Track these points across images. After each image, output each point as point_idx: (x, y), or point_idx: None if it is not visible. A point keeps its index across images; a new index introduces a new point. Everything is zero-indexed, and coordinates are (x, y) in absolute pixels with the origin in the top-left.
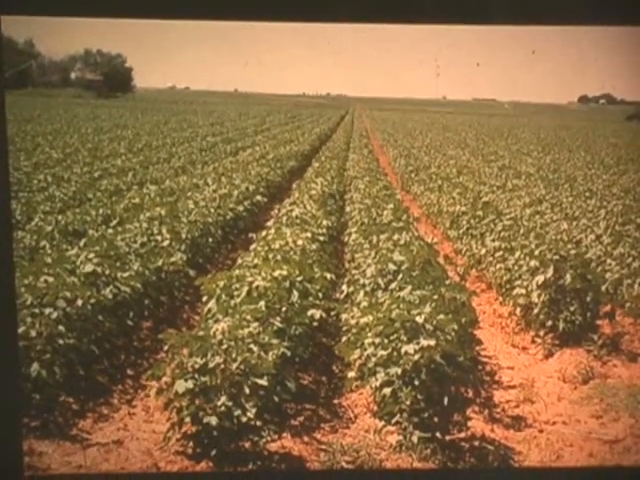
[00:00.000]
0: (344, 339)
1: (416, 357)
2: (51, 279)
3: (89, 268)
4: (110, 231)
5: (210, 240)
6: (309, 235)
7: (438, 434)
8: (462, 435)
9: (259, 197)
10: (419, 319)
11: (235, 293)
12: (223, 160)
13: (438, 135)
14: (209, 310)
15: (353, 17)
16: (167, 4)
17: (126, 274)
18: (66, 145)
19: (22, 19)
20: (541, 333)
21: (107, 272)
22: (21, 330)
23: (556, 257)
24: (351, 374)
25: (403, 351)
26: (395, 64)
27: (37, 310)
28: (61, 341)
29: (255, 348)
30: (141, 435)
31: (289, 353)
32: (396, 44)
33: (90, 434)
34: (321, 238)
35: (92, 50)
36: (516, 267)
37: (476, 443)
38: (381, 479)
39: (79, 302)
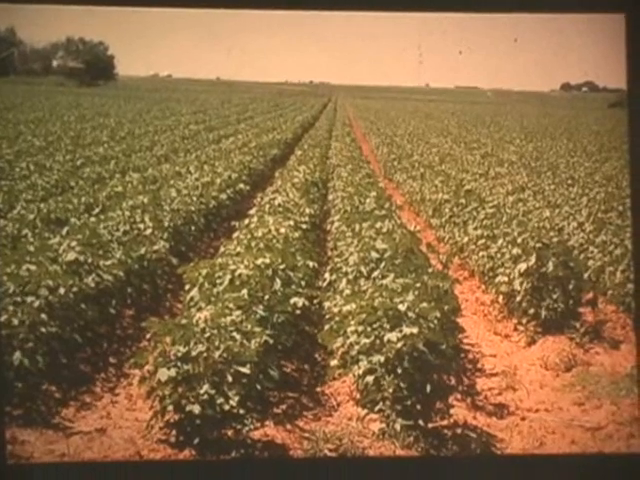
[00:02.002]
0: (327, 327)
1: (399, 345)
2: (33, 267)
3: (71, 256)
4: (92, 219)
5: (193, 228)
6: (292, 223)
7: (421, 422)
8: (445, 423)
9: (242, 185)
10: (402, 307)
11: (218, 281)
12: (206, 148)
13: (420, 123)
14: (192, 298)
15: (337, 5)
16: None
17: (109, 262)
18: (48, 133)
19: (3, 7)
20: (523, 321)
21: (90, 260)
22: (3, 318)
23: (539, 245)
24: (334, 362)
25: (386, 339)
26: (378, 51)
27: (19, 298)
28: (43, 329)
29: (238, 336)
30: (124, 423)
31: (272, 341)
32: (379, 30)
33: (73, 422)
34: (304, 226)
35: (74, 38)
36: (499, 255)
37: (459, 431)
38: (364, 467)
39: (61, 290)
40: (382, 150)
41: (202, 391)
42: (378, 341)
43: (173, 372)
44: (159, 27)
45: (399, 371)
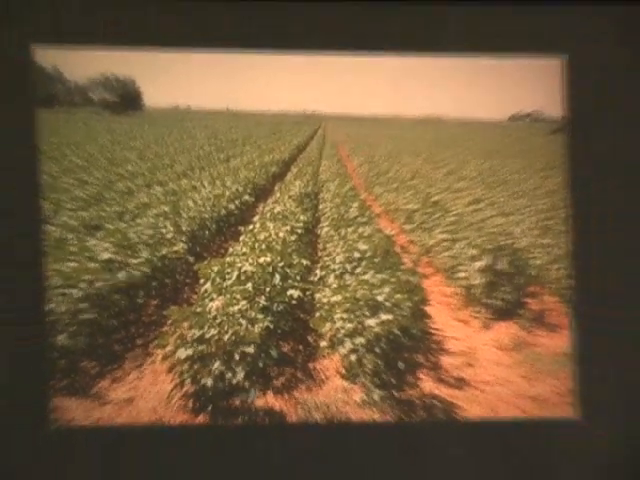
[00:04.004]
0: (317, 314)
1: (377, 329)
2: (75, 265)
3: (106, 256)
4: (123, 225)
5: (206, 232)
6: (289, 228)
7: (395, 393)
8: (414, 393)
9: (247, 197)
10: (380, 298)
11: (227, 276)
12: (217, 166)
13: (395, 146)
14: (205, 290)
15: (330, 48)
16: (173, 38)
17: (136, 261)
18: (87, 154)
19: (51, 49)
20: (480, 309)
21: (121, 259)
22: (50, 307)
23: (492, 246)
24: (323, 343)
25: (366, 324)
26: (364, 86)
27: (63, 290)
28: (83, 316)
29: (244, 322)
30: (148, 395)
31: (272, 326)
32: (363, 69)
33: (107, 393)
34: (299, 231)
35: (109, 76)
36: (459, 255)
37: (426, 400)
38: (347, 430)
39: (98, 284)
40: (363, 168)
41: (214, 367)
42: (360, 326)
43: (190, 352)
44: (180, 65)
45: (377, 351)
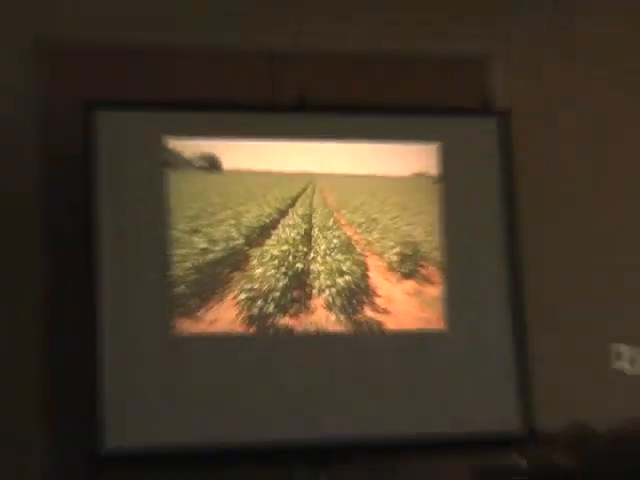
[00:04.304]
0: (311, 276)
1: (342, 284)
2: (186, 250)
3: (202, 246)
4: (211, 230)
5: (254, 235)
6: (296, 230)
7: (351, 317)
8: (361, 317)
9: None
10: (344, 268)
11: (264, 257)
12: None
13: (357, 200)
14: (253, 264)
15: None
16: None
17: (218, 248)
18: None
19: (176, 140)
20: (396, 274)
21: (209, 247)
22: (174, 272)
23: (402, 241)
24: (314, 291)
25: (337, 281)
26: (345, 147)
27: (181, 264)
28: (191, 277)
29: (273, 280)
30: (224, 317)
31: (288, 283)
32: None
33: (202, 317)
34: (302, 232)
35: (208, 151)
36: (385, 245)
37: (368, 321)
38: (327, 338)
39: (198, 261)
40: (342, 211)
41: (257, 303)
42: (333, 282)
43: (244, 295)
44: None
45: (342, 295)
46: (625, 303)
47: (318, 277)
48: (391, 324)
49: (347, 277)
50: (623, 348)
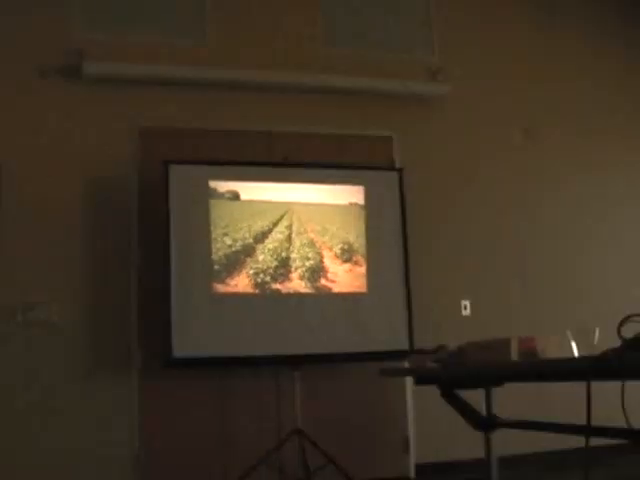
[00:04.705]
0: (291, 260)
1: (308, 266)
2: (219, 245)
3: (228, 242)
4: (228, 235)
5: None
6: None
7: (314, 284)
8: (319, 285)
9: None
10: (309, 256)
11: (264, 248)
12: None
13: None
14: (258, 253)
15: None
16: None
17: (236, 244)
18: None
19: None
20: (340, 259)
21: (232, 243)
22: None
23: (343, 240)
24: (292, 269)
25: (305, 264)
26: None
27: (219, 253)
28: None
29: (269, 260)
30: (241, 284)
31: (277, 264)
32: None
33: (226, 281)
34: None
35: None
36: (334, 243)
37: (322, 287)
38: (300, 297)
39: (224, 252)
40: (309, 224)
41: (261, 275)
42: (303, 264)
43: (253, 271)
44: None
45: (308, 273)
46: (469, 274)
47: (295, 261)
48: (337, 289)
49: (311, 261)
50: (466, 301)
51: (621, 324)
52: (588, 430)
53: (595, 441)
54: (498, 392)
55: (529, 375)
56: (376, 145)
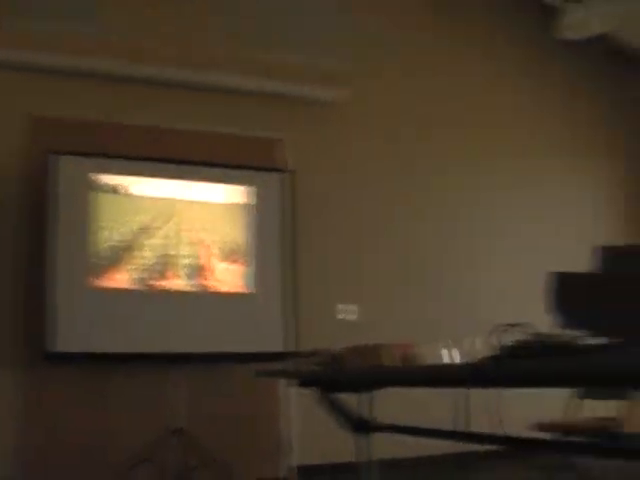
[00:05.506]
0: None
1: (191, 263)
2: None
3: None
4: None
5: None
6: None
7: (196, 281)
8: (200, 282)
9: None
10: (192, 254)
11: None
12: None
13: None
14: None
15: None
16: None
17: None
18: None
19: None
20: (229, 261)
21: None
22: None
23: (232, 240)
24: (178, 267)
25: (188, 263)
26: None
27: None
28: None
29: None
30: None
31: None
32: None
33: None
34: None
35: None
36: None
37: (206, 285)
38: (182, 295)
39: None
40: (194, 223)
41: None
42: (187, 262)
43: None
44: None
45: (190, 270)
46: (357, 278)
47: (177, 259)
48: (219, 288)
49: (194, 260)
50: (342, 306)
51: (491, 333)
52: (461, 436)
53: (475, 447)
54: (389, 397)
55: (407, 380)
56: (269, 147)
